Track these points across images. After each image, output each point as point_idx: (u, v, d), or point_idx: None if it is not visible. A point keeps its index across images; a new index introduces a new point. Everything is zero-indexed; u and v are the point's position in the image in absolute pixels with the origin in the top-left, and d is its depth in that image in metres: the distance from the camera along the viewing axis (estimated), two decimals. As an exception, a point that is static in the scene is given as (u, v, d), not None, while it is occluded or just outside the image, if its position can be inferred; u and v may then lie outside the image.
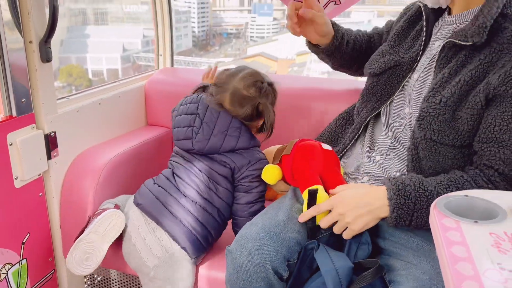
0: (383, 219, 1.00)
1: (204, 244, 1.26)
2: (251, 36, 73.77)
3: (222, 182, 1.29)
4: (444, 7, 1.11)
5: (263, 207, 1.30)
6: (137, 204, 1.29)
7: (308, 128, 1.61)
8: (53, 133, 1.35)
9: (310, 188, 1.10)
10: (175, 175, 1.30)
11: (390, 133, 1.16)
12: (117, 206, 1.31)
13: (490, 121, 0.95)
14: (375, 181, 1.14)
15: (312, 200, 1.07)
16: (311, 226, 1.07)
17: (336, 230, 1.03)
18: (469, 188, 0.94)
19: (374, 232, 1.08)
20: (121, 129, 1.72)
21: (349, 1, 1.60)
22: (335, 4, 1.64)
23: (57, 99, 1.42)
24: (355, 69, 1.49)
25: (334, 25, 1.35)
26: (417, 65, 1.15)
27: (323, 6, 1.63)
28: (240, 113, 1.28)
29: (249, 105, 1.27)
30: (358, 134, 1.25)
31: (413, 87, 1.13)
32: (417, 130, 1.04)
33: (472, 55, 1.01)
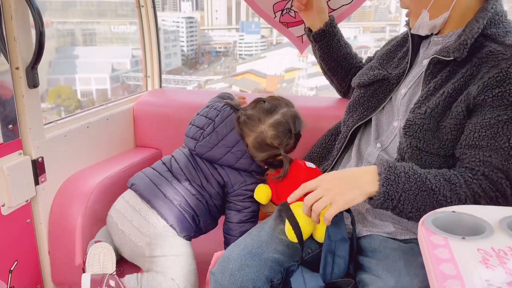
0: (370, 199, 0.96)
1: (192, 223, 1.27)
2: (239, 54, 74.45)
3: (215, 187, 1.30)
4: (436, 32, 1.16)
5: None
6: (131, 185, 1.32)
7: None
8: (40, 159, 1.34)
9: (295, 203, 1.10)
10: (173, 160, 1.34)
11: (378, 145, 1.19)
12: (97, 241, 1.30)
13: (470, 129, 0.99)
14: None
15: (292, 220, 1.04)
16: (298, 245, 1.06)
17: (318, 206, 0.94)
18: (455, 180, 0.95)
19: (359, 249, 1.09)
20: (110, 151, 1.71)
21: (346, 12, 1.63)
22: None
23: (45, 124, 1.41)
24: (341, 77, 1.57)
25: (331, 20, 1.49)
26: (404, 80, 1.21)
27: (307, 26, 1.66)
28: (257, 156, 1.29)
29: (268, 152, 1.28)
30: (344, 143, 1.28)
31: (401, 101, 1.18)
32: (403, 139, 1.07)
33: (456, 70, 1.06)
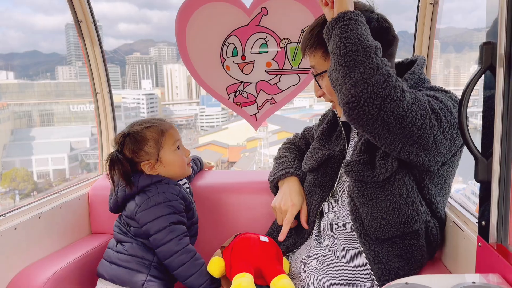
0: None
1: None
2: (201, 126, 75.42)
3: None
4: None
5: (187, 239, 1.35)
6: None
7: (257, 218, 1.62)
8: (-13, 255, 1.27)
9: (238, 275, 1.12)
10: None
11: (331, 215, 1.26)
12: None
13: None
14: (324, 264, 1.20)
15: None
16: None
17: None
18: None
19: None
20: (64, 241, 1.64)
21: (282, 101, 1.72)
22: (270, 104, 1.75)
23: (-7, 218, 1.36)
24: None
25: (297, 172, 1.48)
26: (346, 155, 1.31)
27: (260, 106, 1.74)
28: None
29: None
30: (314, 227, 1.31)
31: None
32: (347, 180, 1.20)
33: None
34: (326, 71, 1.16)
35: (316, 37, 1.17)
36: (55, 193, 1.68)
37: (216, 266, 1.27)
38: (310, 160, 1.38)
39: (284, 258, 1.32)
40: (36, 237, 1.50)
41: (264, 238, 1.29)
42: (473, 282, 0.82)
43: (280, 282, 1.19)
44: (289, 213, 1.33)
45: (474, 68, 0.92)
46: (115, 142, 1.40)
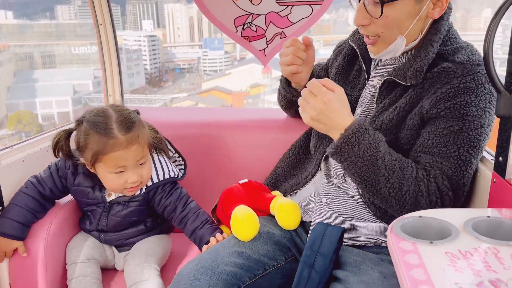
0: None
1: None
2: (204, 70, 74.55)
3: None
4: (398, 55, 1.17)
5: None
6: None
7: (262, 159, 1.60)
8: (-4, 187, 1.27)
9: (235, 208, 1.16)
10: None
11: None
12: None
13: (424, 137, 1.07)
14: (334, 202, 1.17)
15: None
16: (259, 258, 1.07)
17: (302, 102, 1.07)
18: (408, 173, 1.02)
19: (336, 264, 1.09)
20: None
21: (293, 34, 1.65)
22: (280, 38, 1.69)
23: (0, 150, 1.35)
24: None
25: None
26: (358, 101, 1.23)
27: (269, 40, 1.68)
28: None
29: None
30: (319, 168, 1.27)
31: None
32: None
33: (408, 87, 1.11)
34: None
35: None
36: (62, 126, 1.66)
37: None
38: None
39: (277, 191, 1.33)
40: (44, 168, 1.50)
41: (243, 180, 1.30)
42: (488, 216, 0.81)
43: (278, 202, 1.20)
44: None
45: (486, 12, 0.85)
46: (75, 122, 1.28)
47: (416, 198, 1.01)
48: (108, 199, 1.31)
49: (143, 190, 1.30)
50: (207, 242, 1.22)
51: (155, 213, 1.36)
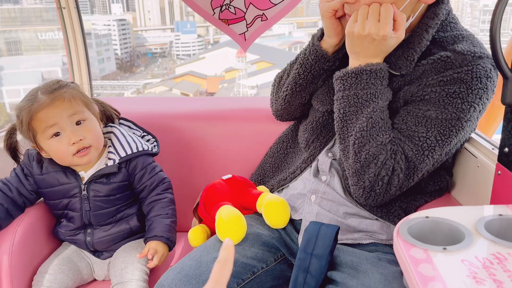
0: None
1: None
2: (177, 55, 73.35)
3: None
4: None
5: None
6: None
7: (246, 152, 1.51)
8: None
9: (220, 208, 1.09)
10: None
11: (330, 154, 1.15)
12: None
13: (400, 113, 1.03)
14: (323, 199, 1.11)
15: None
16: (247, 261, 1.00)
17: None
18: (382, 138, 0.99)
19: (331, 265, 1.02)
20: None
21: (275, 17, 1.55)
22: (261, 20, 1.58)
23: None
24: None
25: None
26: None
27: (249, 23, 1.57)
28: None
29: None
30: (311, 164, 1.19)
31: None
32: None
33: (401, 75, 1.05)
34: None
35: None
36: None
37: (196, 235, 1.20)
38: (325, 101, 1.18)
39: (263, 187, 1.26)
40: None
41: (227, 176, 1.23)
42: (500, 215, 0.74)
43: (265, 199, 1.13)
44: None
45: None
46: None
47: (368, 162, 0.98)
48: (84, 179, 1.21)
49: (116, 161, 1.21)
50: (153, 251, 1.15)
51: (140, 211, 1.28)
